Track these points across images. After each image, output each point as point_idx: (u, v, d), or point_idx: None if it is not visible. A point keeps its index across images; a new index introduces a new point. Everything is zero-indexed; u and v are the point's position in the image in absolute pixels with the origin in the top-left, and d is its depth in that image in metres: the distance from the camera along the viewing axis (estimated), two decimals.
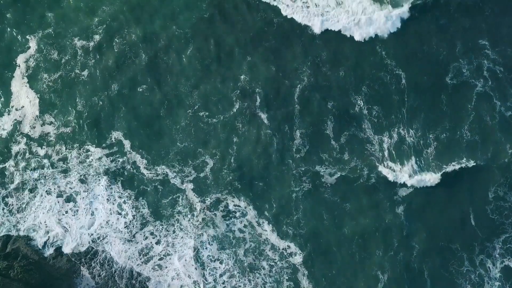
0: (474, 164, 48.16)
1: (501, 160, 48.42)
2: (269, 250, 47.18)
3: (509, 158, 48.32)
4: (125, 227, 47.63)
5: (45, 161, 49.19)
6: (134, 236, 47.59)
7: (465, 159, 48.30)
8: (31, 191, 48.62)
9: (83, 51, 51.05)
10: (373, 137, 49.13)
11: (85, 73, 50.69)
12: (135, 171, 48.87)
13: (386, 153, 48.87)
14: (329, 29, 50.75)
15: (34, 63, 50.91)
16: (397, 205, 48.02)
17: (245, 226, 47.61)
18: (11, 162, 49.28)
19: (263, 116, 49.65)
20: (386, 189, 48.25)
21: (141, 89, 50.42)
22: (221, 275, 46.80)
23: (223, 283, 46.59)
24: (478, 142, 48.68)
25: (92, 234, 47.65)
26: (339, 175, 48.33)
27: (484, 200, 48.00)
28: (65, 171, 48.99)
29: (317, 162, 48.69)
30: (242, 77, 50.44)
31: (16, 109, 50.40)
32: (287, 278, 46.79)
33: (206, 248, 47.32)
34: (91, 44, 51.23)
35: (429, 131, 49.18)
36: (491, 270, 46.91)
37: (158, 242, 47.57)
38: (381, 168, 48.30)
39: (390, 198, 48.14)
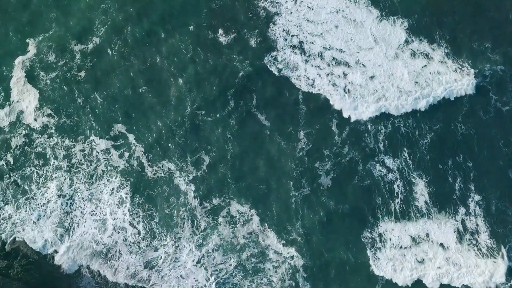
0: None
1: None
2: (272, 254, 47.21)
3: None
4: (128, 231, 47.70)
5: (47, 157, 49.30)
6: (138, 242, 47.53)
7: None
8: (34, 187, 48.73)
9: (81, 53, 51.63)
10: (369, 129, 49.75)
11: (82, 73, 51.23)
12: (139, 168, 49.17)
13: (381, 145, 49.31)
14: None
15: (33, 63, 51.40)
16: (393, 203, 48.20)
17: (249, 233, 47.69)
18: (11, 158, 49.42)
19: (260, 114, 50.12)
20: (380, 190, 48.60)
21: (142, 90, 50.96)
22: (225, 278, 46.70)
23: (227, 285, 46.55)
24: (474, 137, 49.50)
25: (97, 240, 47.61)
26: (335, 175, 48.48)
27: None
28: (70, 168, 49.20)
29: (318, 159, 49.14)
30: (240, 74, 51.05)
31: (18, 102, 50.66)
32: (288, 278, 46.69)
33: (209, 250, 47.26)
34: (90, 45, 51.84)
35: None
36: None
37: (162, 246, 47.52)
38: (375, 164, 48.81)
39: (387, 198, 48.50)
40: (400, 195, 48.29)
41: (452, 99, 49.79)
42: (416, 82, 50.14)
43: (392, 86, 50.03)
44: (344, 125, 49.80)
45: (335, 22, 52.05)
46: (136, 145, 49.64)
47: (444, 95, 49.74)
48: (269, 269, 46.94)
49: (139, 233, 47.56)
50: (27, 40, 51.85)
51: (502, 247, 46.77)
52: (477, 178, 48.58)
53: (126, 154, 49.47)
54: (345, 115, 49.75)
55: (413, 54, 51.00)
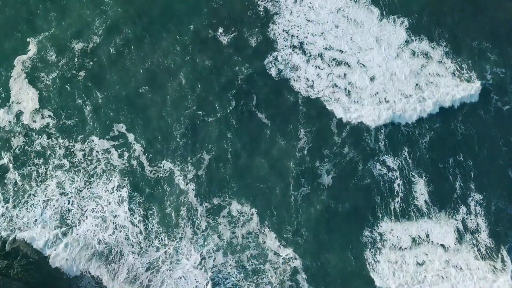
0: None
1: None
2: (273, 255, 47.13)
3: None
4: (128, 230, 47.58)
5: (47, 156, 49.16)
6: (139, 242, 47.41)
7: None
8: (34, 186, 48.58)
9: (81, 53, 51.60)
10: (370, 128, 49.81)
11: (82, 73, 51.22)
12: (140, 168, 49.04)
13: (381, 144, 49.31)
14: None
15: (33, 63, 51.39)
16: (393, 203, 48.21)
17: (248, 233, 47.60)
18: (11, 157, 49.25)
19: (260, 114, 50.10)
20: (380, 189, 48.60)
21: (142, 90, 50.92)
22: (225, 278, 46.59)
23: (227, 285, 46.45)
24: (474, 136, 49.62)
25: (99, 239, 47.44)
26: (335, 174, 48.45)
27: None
28: (70, 167, 49.04)
29: (318, 157, 49.05)
30: (240, 73, 51.12)
31: (17, 103, 50.57)
32: (287, 278, 46.61)
33: (210, 250, 47.16)
34: (90, 45, 51.86)
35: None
36: None
37: (163, 246, 47.39)
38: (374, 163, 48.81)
39: (386, 198, 48.51)
40: (400, 194, 48.31)
41: (455, 107, 49.90)
42: (417, 85, 50.17)
43: (393, 87, 50.03)
44: (344, 124, 49.85)
45: (336, 21, 52.13)
46: (136, 145, 49.56)
47: (448, 104, 49.70)
48: (269, 269, 46.84)
49: (140, 233, 47.45)
50: (27, 40, 51.85)
51: (502, 247, 46.75)
52: (477, 177, 48.69)
53: (126, 154, 49.37)
54: (345, 119, 49.74)
55: (413, 54, 51.10)
